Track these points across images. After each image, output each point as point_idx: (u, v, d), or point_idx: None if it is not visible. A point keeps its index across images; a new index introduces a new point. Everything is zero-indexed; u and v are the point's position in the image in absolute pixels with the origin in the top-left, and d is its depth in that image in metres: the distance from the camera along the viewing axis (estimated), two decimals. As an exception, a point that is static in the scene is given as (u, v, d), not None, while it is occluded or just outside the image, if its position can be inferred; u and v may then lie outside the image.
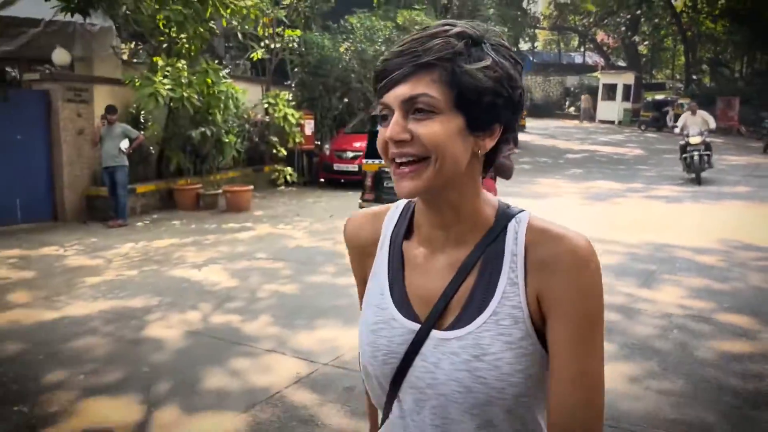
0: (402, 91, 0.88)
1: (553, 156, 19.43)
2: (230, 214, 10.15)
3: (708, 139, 12.87)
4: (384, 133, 0.91)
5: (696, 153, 12.80)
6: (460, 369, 0.93)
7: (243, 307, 5.44)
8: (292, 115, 12.30)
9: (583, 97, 34.58)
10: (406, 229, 1.05)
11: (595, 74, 36.76)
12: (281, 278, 6.38)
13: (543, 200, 10.91)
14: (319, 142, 14.06)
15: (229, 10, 10.57)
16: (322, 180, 13.66)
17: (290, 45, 13.07)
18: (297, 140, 12.66)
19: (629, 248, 7.35)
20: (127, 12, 9.91)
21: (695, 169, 12.88)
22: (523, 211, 1.00)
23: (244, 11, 10.75)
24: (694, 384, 3.86)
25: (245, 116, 12.03)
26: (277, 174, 12.76)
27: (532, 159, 18.48)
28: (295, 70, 14.12)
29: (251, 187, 11.05)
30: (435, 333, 0.96)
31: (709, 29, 35.88)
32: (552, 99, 38.42)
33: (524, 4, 30.74)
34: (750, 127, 25.30)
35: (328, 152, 13.44)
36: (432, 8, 17.48)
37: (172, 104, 10.11)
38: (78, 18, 10.05)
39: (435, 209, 0.97)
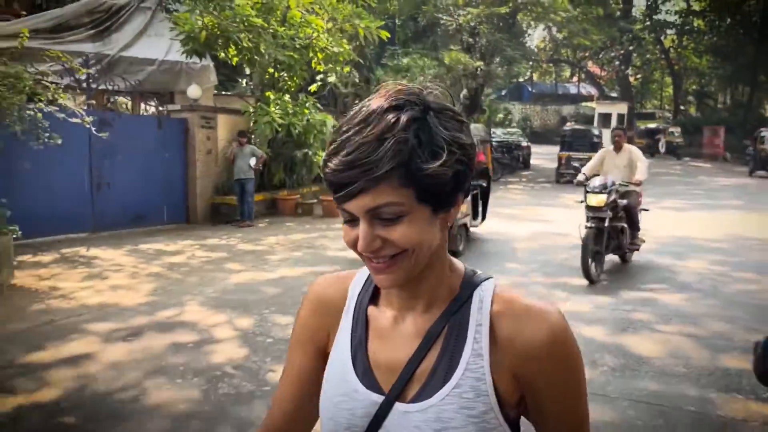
0: (364, 202, 0.84)
1: (564, 177, 22.08)
2: (328, 219, 12.44)
3: (625, 201, 7.28)
4: (349, 232, 0.88)
5: (593, 224, 6.93)
6: None
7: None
8: (364, 139, 14.72)
9: (567, 124, 37.31)
10: (372, 293, 1.02)
11: (589, 104, 39.73)
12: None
13: (576, 210, 13.34)
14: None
15: (323, 55, 13.06)
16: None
17: (352, 80, 15.58)
18: (365, 160, 15.08)
19: (659, 239, 9.81)
20: (249, 55, 12.28)
21: (585, 253, 6.75)
22: (489, 278, 0.97)
23: (335, 56, 13.22)
24: (726, 302, 6.32)
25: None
26: (346, 189, 15.10)
27: (547, 179, 21.12)
28: (356, 101, 16.57)
29: (342, 197, 13.41)
30: (398, 405, 0.92)
31: (695, 64, 39.38)
32: (549, 126, 41.44)
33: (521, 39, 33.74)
34: (734, 154, 28.22)
35: None
36: (459, 47, 20.12)
37: (279, 130, 12.51)
38: (190, 58, 12.40)
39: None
